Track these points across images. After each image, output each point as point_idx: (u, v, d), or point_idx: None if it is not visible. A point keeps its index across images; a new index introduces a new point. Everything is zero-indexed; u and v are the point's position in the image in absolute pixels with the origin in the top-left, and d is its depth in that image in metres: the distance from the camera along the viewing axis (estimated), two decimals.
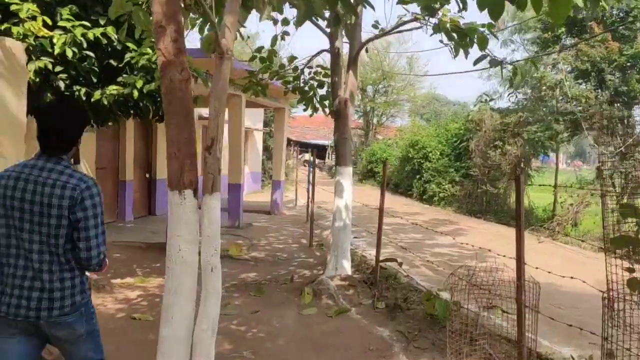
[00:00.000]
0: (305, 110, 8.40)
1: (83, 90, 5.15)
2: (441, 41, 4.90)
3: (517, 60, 5.63)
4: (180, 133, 2.67)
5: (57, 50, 4.93)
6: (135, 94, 5.26)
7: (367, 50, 12.96)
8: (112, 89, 5.29)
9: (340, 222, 6.56)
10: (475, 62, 4.58)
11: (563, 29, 12.84)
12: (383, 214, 6.40)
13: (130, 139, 11.25)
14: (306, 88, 7.98)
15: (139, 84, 5.26)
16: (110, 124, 6.44)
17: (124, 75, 5.35)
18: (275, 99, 12.87)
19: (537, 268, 3.97)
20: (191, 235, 2.66)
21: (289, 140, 35.02)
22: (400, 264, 6.21)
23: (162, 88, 2.69)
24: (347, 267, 6.59)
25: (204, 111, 14.89)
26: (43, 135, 2.36)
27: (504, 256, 4.15)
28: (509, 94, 14.41)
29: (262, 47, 7.54)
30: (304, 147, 40.11)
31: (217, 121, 2.71)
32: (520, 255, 3.54)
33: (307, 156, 37.91)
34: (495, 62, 4.64)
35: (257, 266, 7.94)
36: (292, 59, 7.29)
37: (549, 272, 4.16)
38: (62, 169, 2.34)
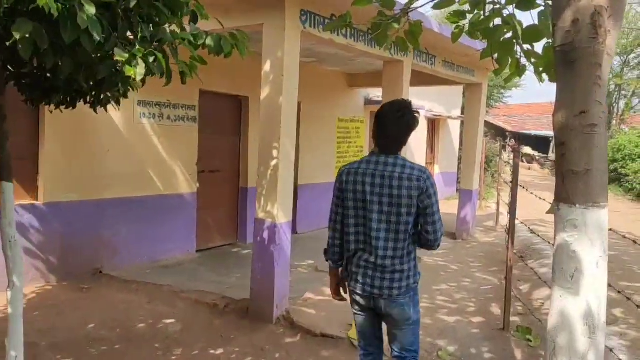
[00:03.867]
0: (497, 73, 4.19)
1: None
2: None
3: None
4: None
5: None
6: None
7: None
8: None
9: None
10: None
11: None
12: None
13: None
14: (494, 24, 3.81)
15: None
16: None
17: None
18: (466, 69, 8.59)
19: None
20: None
21: (503, 132, 29.43)
22: None
23: None
24: None
25: (374, 93, 11.25)
26: (383, 136, 2.67)
27: None
28: None
29: None
30: (523, 139, 33.92)
31: None
32: None
33: (527, 150, 31.74)
34: None
35: None
36: None
37: None
38: (402, 162, 2.66)
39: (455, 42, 4.15)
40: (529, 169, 28.15)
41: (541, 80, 4.08)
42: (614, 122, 22.36)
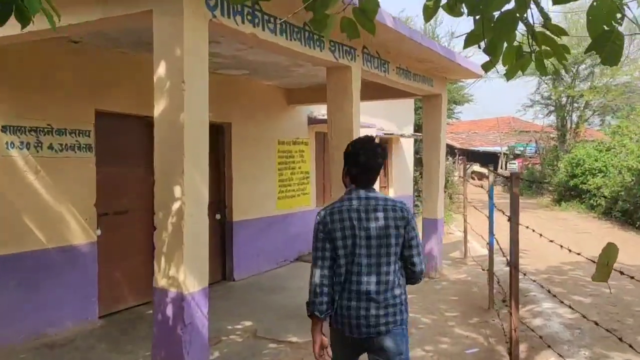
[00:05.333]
0: (488, 67, 2.86)
1: None
2: None
3: None
4: None
5: None
6: None
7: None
8: None
9: None
10: None
11: None
12: None
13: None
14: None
15: None
16: None
17: None
18: (423, 78, 7.35)
19: None
20: None
21: (451, 149, 28.71)
22: None
23: None
24: None
25: (319, 110, 9.90)
26: (362, 172, 2.64)
27: None
28: None
29: None
30: (471, 156, 33.48)
31: None
32: None
33: (477, 167, 31.24)
34: None
35: None
36: None
37: None
38: (382, 195, 2.67)
39: (428, 22, 2.82)
40: (481, 186, 27.63)
41: (556, 73, 2.78)
42: (568, 135, 21.84)
